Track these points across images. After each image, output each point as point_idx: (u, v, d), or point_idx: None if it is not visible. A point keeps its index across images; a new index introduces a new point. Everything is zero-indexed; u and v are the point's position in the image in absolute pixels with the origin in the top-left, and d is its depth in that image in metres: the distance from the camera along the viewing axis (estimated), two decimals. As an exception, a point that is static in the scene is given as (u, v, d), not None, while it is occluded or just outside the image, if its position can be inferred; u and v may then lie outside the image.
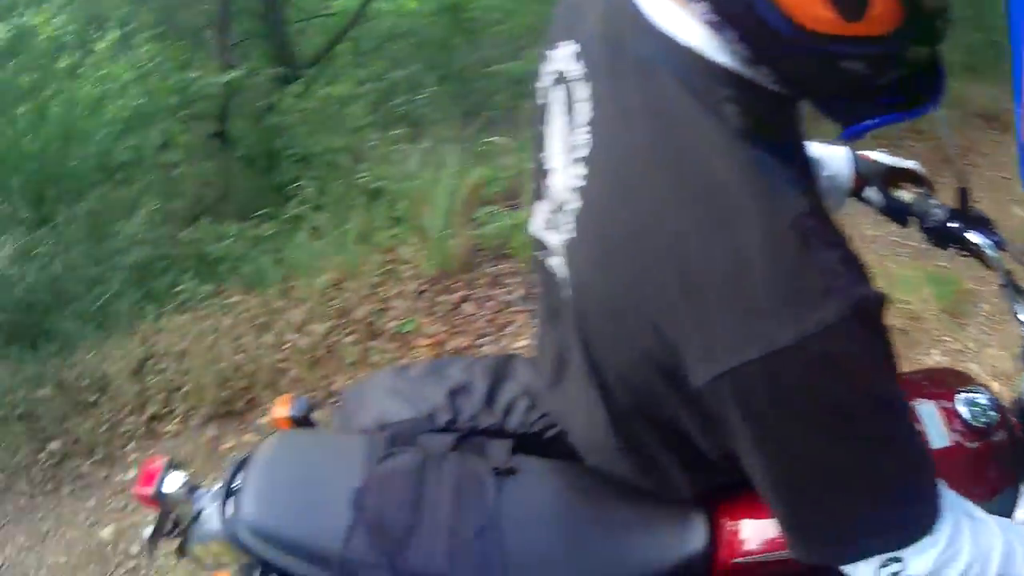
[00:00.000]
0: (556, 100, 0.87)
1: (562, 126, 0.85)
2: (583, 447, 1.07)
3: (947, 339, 2.86)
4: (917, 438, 0.73)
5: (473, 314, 3.00)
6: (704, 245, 0.66)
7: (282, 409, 1.31)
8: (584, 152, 0.78)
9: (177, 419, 2.64)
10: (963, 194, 1.12)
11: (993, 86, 3.90)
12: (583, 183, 0.78)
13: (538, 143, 0.93)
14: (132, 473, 2.47)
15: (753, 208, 0.65)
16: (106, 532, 2.31)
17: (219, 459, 2.49)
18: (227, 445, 2.56)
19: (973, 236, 1.12)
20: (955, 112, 4.45)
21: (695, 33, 0.69)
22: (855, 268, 0.66)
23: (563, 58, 0.85)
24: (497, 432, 1.14)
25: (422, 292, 3.10)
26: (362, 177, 3.51)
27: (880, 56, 0.66)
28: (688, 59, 0.70)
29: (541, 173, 0.92)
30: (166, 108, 4.21)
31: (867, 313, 0.65)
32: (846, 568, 0.76)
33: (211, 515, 1.13)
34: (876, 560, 0.73)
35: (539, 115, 0.92)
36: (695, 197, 0.67)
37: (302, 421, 1.32)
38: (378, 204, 3.48)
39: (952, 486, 0.87)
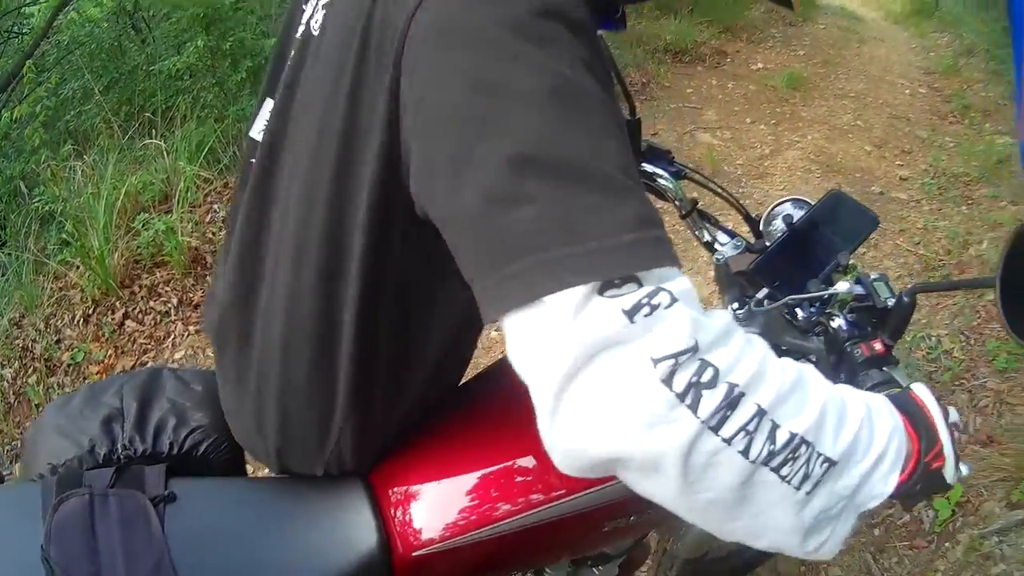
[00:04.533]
0: None
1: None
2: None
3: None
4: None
5: (135, 331, 2.91)
6: None
7: None
8: None
9: None
10: (632, 126, 1.01)
11: (681, 23, 3.90)
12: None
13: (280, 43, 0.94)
14: None
15: None
16: None
17: None
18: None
19: (647, 167, 1.06)
20: (643, 49, 4.53)
21: None
22: None
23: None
24: (151, 457, 1.10)
25: (89, 316, 2.98)
26: (35, 203, 3.32)
27: None
28: None
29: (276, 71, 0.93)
30: None
31: None
32: (533, 314, 0.58)
33: None
34: (580, 293, 0.57)
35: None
36: None
37: None
38: (49, 229, 3.31)
39: None
